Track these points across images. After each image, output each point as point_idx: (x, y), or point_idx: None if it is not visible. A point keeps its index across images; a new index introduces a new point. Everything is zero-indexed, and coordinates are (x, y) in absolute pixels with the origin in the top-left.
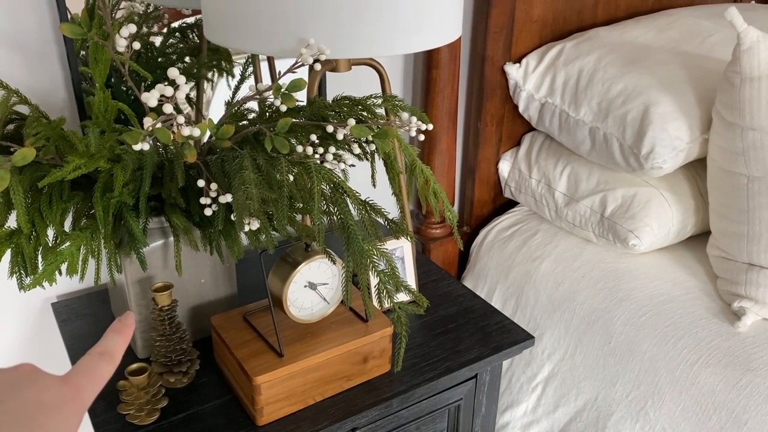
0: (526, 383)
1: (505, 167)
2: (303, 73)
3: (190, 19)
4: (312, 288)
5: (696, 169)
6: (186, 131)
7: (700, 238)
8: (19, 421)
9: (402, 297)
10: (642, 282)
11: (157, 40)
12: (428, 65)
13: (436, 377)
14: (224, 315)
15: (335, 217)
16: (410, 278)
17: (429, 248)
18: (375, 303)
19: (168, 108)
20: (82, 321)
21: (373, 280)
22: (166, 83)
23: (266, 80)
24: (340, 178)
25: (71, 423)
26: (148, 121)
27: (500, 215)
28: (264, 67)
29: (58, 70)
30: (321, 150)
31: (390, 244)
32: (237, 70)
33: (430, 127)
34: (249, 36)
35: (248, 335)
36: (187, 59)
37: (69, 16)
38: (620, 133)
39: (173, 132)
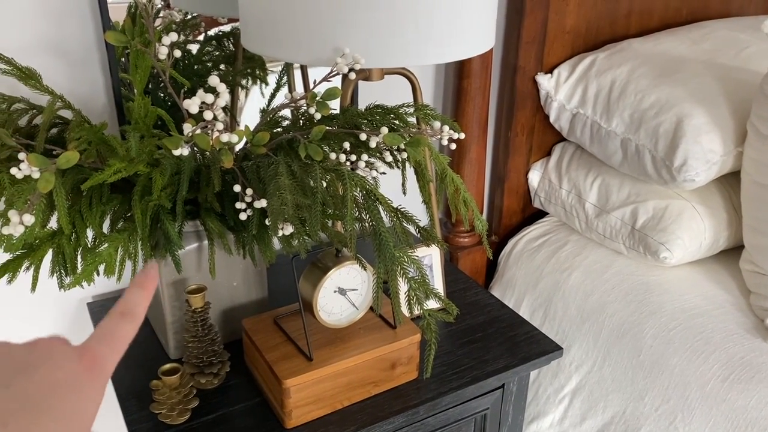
0: (553, 394)
1: (535, 177)
2: (336, 82)
3: (226, 28)
4: (341, 293)
5: (729, 182)
6: (224, 138)
7: (733, 252)
8: (29, 406)
9: (431, 305)
10: (672, 295)
11: (194, 48)
12: (460, 75)
13: (464, 386)
14: (255, 318)
15: (367, 224)
16: (438, 286)
17: (457, 257)
18: (404, 310)
19: (208, 115)
20: None
21: (402, 288)
22: (203, 90)
23: (299, 88)
24: (372, 185)
25: (91, 398)
26: (187, 127)
27: (529, 225)
28: (297, 75)
29: (99, 76)
30: (353, 157)
31: (419, 252)
32: (270, 78)
33: (462, 136)
34: (285, 45)
35: (278, 338)
36: (222, 67)
37: (110, 24)
38: (652, 145)
39: (212, 138)
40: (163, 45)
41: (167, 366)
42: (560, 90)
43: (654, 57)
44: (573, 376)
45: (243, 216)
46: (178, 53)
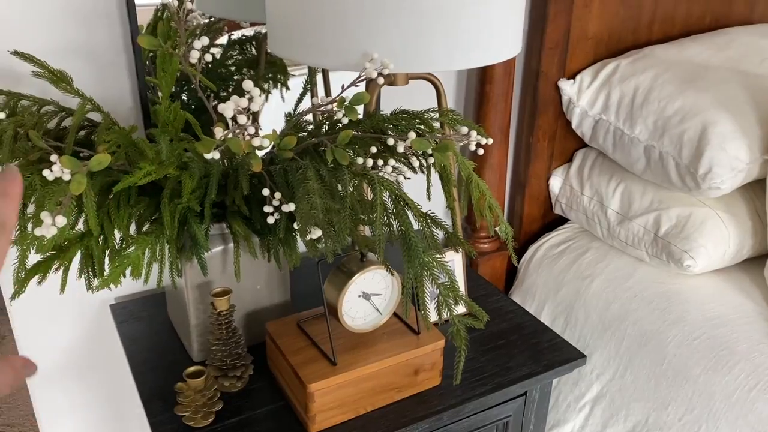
0: (573, 402)
1: (556, 183)
2: (361, 87)
3: (249, 32)
4: (366, 298)
5: (754, 190)
6: (256, 142)
7: (757, 261)
8: None
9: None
10: (696, 304)
11: (216, 52)
12: (482, 80)
13: (487, 393)
14: (279, 321)
15: (395, 229)
16: (461, 285)
17: (477, 263)
18: (433, 316)
19: (242, 119)
20: (139, 323)
21: (429, 294)
22: (225, 92)
23: (320, 93)
24: (401, 190)
25: None
26: (218, 131)
27: (550, 232)
28: (319, 78)
29: (126, 79)
30: (380, 162)
31: None
32: (291, 83)
33: (490, 141)
34: (313, 50)
35: (302, 342)
36: (244, 71)
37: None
38: (677, 152)
39: (243, 142)
40: (194, 49)
41: (192, 368)
42: (583, 96)
43: (678, 63)
44: (594, 384)
45: (271, 219)
46: (209, 57)
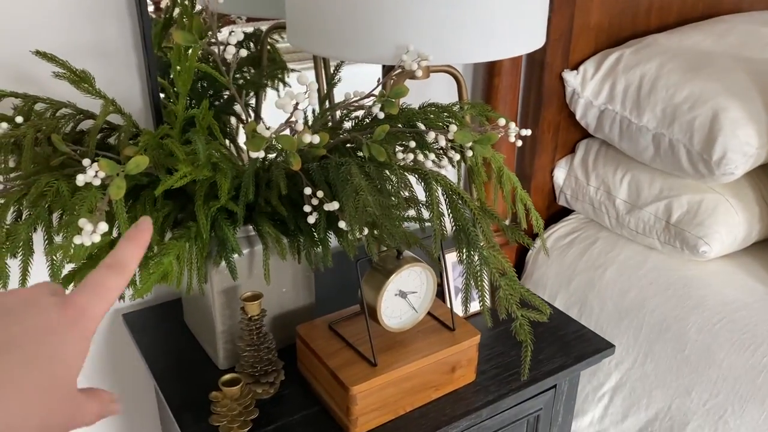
0: (591, 393)
1: (560, 175)
2: (371, 82)
3: (248, 29)
4: (402, 296)
5: (759, 175)
6: (307, 138)
7: (763, 244)
8: (7, 350)
9: (474, 307)
10: (713, 289)
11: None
12: (491, 72)
13: (523, 387)
14: (309, 324)
15: (450, 223)
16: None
17: None
18: (459, 310)
19: (299, 114)
20: (156, 332)
21: (453, 287)
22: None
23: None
24: (455, 184)
25: (72, 346)
26: (262, 129)
27: (555, 223)
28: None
29: (136, 79)
30: (421, 157)
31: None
32: (291, 79)
33: (529, 132)
34: (342, 42)
35: (337, 345)
36: (244, 69)
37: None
38: (687, 139)
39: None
40: (230, 44)
41: (227, 377)
42: (587, 86)
43: (681, 52)
44: (613, 374)
45: (311, 219)
46: (244, 53)
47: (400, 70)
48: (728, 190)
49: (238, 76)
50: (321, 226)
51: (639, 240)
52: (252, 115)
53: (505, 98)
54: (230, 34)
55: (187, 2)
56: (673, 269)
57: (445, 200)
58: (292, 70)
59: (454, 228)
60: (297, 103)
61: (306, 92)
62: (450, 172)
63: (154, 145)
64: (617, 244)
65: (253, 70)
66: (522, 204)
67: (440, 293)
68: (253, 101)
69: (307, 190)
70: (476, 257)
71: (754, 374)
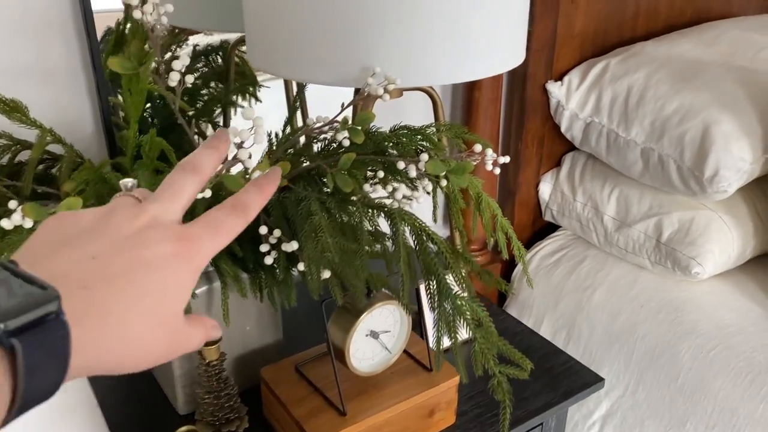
0: (581, 421)
1: (546, 189)
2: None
3: (215, 40)
4: (374, 337)
5: (753, 189)
6: (256, 176)
7: (757, 261)
8: (114, 276)
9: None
10: (706, 312)
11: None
12: (470, 86)
13: (507, 428)
14: (274, 366)
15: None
16: None
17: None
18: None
19: (243, 153)
20: None
21: (430, 321)
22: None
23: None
24: (424, 223)
25: (177, 280)
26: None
27: (541, 240)
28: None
29: (86, 101)
30: (389, 188)
31: None
32: (263, 95)
33: (507, 159)
34: (303, 64)
35: (303, 390)
36: (211, 84)
37: (99, 43)
38: (678, 154)
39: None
40: (174, 70)
41: (183, 429)
42: (572, 98)
43: (670, 61)
44: (603, 402)
45: (269, 260)
46: (190, 79)
47: (366, 95)
48: (721, 206)
49: (204, 92)
50: (281, 266)
51: (629, 259)
52: None
53: (487, 112)
54: (173, 57)
55: (140, 17)
56: (664, 290)
57: (414, 241)
58: (261, 86)
59: (424, 271)
60: (242, 142)
61: (251, 128)
62: (426, 198)
63: (95, 179)
64: (606, 262)
65: (221, 85)
66: (503, 233)
67: (418, 322)
68: (223, 119)
69: (263, 229)
70: (448, 306)
71: (752, 406)
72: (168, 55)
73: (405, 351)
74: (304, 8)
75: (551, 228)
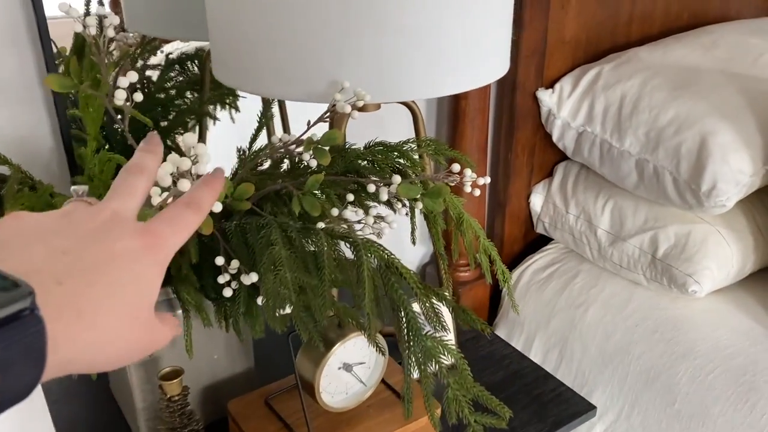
0: None
1: (537, 201)
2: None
3: (189, 48)
4: (347, 370)
5: (752, 202)
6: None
7: (757, 276)
8: (85, 270)
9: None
10: (703, 332)
11: (154, 74)
12: (456, 95)
13: None
14: (243, 399)
15: (385, 302)
16: (451, 339)
17: (458, 293)
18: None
19: (184, 184)
20: (78, 401)
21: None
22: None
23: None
24: (392, 255)
25: (148, 274)
26: (155, 196)
27: (533, 253)
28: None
29: (44, 115)
30: (360, 212)
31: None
32: (242, 104)
33: (488, 180)
34: (268, 78)
35: (272, 426)
36: (187, 94)
37: (55, 50)
38: (673, 166)
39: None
40: (120, 88)
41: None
42: (563, 106)
43: (665, 67)
44: (596, 426)
45: (227, 292)
46: (139, 97)
47: (331, 112)
48: (719, 220)
49: (179, 102)
50: (241, 299)
51: (623, 274)
52: None
53: (474, 122)
54: (120, 73)
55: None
56: (660, 308)
57: (381, 275)
58: (239, 96)
59: (390, 307)
60: (184, 171)
61: (193, 156)
62: (405, 218)
63: (41, 205)
64: (600, 278)
65: (196, 95)
66: (486, 255)
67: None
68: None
69: (219, 260)
70: (419, 349)
71: None
72: (116, 70)
73: (383, 381)
74: (267, 17)
75: (543, 240)
